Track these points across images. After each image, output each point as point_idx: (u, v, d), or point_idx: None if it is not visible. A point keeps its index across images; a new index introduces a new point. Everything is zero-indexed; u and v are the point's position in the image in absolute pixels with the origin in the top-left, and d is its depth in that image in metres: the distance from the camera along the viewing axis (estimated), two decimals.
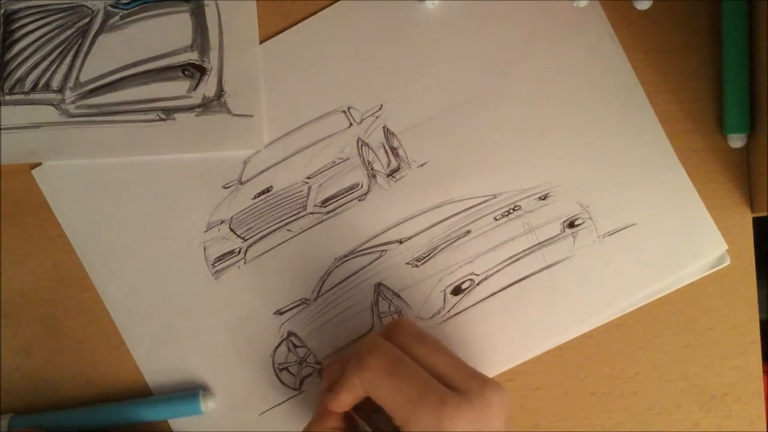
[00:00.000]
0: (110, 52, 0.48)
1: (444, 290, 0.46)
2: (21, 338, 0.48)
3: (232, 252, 0.47)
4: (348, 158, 0.48)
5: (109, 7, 0.49)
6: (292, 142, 0.48)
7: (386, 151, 0.47)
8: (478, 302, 0.46)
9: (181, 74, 0.48)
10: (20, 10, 0.49)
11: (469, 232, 0.47)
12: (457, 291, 0.46)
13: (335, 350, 0.47)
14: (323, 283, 0.47)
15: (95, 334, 0.48)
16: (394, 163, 0.47)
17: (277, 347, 0.47)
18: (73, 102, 0.48)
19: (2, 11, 0.49)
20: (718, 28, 0.46)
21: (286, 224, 0.47)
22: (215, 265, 0.47)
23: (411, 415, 0.37)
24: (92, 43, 0.48)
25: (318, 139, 0.48)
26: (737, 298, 0.46)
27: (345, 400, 0.40)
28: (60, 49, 0.48)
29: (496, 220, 0.47)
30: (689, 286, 0.46)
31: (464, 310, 0.46)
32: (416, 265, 0.46)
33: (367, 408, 0.41)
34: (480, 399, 0.38)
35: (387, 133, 0.47)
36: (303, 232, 0.47)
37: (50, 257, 0.48)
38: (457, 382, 0.38)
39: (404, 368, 0.38)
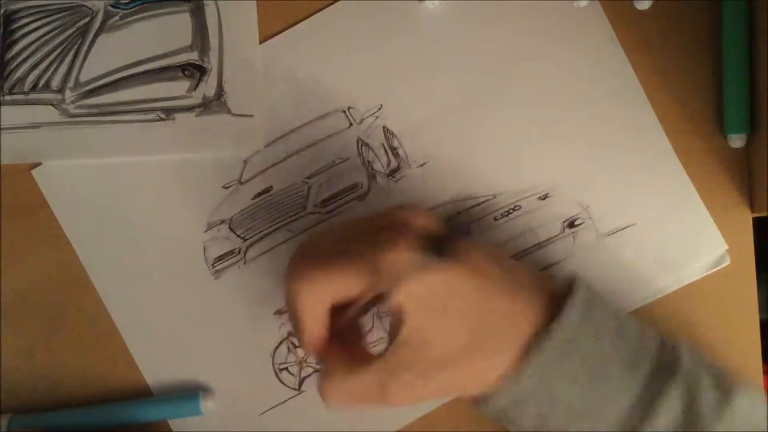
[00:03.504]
0: (110, 52, 0.48)
1: None
2: (21, 338, 0.48)
3: (231, 252, 0.47)
4: (348, 158, 0.48)
5: (109, 7, 0.49)
6: (292, 142, 0.48)
7: (386, 151, 0.47)
8: None
9: (181, 74, 0.48)
10: (20, 10, 0.49)
11: (469, 232, 0.47)
12: None
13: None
14: None
15: (95, 334, 0.48)
16: (394, 163, 0.47)
17: (277, 347, 0.47)
18: (73, 102, 0.48)
19: (2, 11, 0.49)
20: (718, 28, 0.46)
21: (286, 224, 0.47)
22: (215, 265, 0.47)
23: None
24: (92, 43, 0.48)
25: (318, 139, 0.48)
26: (737, 298, 0.46)
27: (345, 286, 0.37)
28: (60, 49, 0.48)
29: (497, 220, 0.47)
30: (689, 286, 0.46)
31: None
32: None
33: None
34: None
35: (387, 133, 0.47)
36: (303, 232, 0.47)
37: (50, 257, 0.48)
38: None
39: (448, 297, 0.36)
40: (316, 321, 0.38)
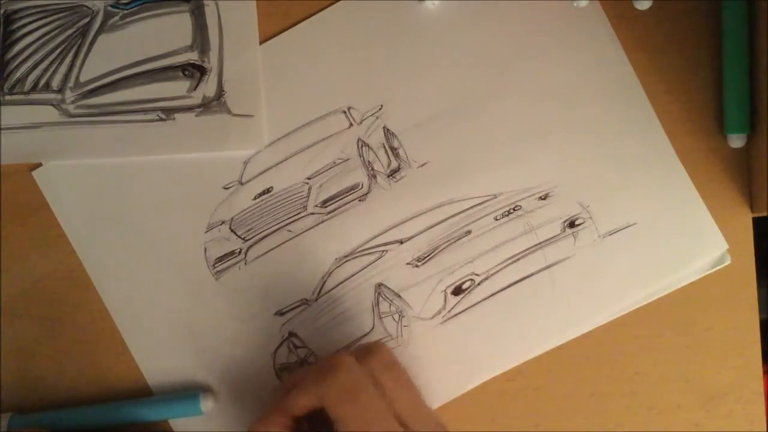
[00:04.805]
0: (110, 52, 0.48)
1: (445, 290, 0.46)
2: (21, 338, 0.48)
3: (232, 253, 0.47)
4: (348, 158, 0.48)
5: (109, 7, 0.48)
6: (293, 142, 0.48)
7: (386, 152, 0.47)
8: (478, 302, 0.46)
9: (181, 74, 0.48)
10: (20, 10, 0.49)
11: (469, 232, 0.47)
12: (457, 291, 0.46)
13: (336, 351, 0.47)
14: (324, 284, 0.47)
15: (95, 334, 0.48)
16: (394, 164, 0.47)
17: (278, 348, 0.47)
18: (73, 102, 0.48)
19: (2, 11, 0.49)
20: (718, 28, 0.46)
21: (287, 225, 0.47)
22: (216, 265, 0.47)
23: None
24: (92, 43, 0.48)
25: (318, 139, 0.48)
26: (737, 298, 0.46)
27: (301, 404, 0.40)
28: (60, 49, 0.48)
29: (497, 220, 0.47)
30: (689, 286, 0.46)
31: (465, 310, 0.46)
32: (417, 265, 0.47)
33: (319, 421, 0.41)
34: None
35: (387, 133, 0.47)
36: (303, 232, 0.47)
37: (50, 257, 0.48)
38: (412, 423, 0.39)
39: (364, 395, 0.39)
40: (307, 402, 0.40)
